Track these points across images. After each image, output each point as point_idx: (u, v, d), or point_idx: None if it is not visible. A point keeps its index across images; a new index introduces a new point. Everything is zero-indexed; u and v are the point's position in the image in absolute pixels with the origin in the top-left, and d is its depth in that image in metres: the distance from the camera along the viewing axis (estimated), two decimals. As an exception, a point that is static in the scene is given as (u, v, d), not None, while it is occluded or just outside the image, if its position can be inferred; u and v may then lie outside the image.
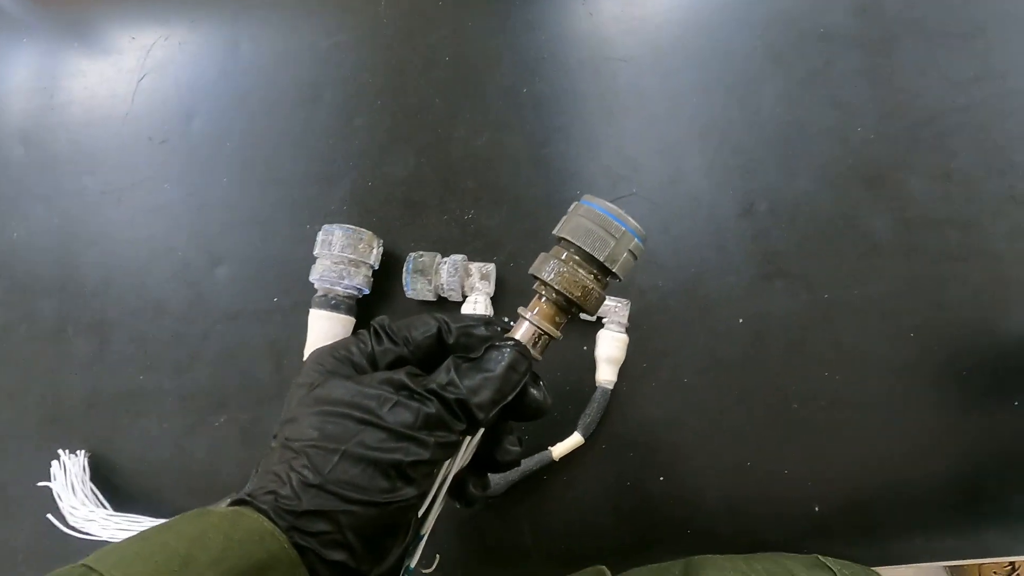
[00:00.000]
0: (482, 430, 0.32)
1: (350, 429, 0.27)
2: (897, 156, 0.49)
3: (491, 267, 0.49)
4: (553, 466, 0.46)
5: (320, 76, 0.56)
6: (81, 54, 0.60)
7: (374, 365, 0.31)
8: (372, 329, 0.32)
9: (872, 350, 0.47)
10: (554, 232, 0.33)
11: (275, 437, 0.29)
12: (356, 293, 0.49)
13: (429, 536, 0.31)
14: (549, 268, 0.32)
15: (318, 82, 0.56)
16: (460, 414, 0.29)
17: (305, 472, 0.27)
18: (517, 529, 0.47)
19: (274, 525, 0.26)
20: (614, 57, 0.54)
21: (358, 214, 0.53)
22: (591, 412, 0.46)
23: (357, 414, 0.28)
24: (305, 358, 0.48)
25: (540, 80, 0.54)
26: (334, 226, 0.48)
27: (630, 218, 0.32)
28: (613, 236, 0.31)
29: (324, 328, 0.48)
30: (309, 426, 0.28)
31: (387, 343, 0.31)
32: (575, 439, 0.46)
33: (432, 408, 0.28)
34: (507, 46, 0.55)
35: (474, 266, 0.49)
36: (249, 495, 0.28)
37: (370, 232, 0.48)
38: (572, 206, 0.33)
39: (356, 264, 0.48)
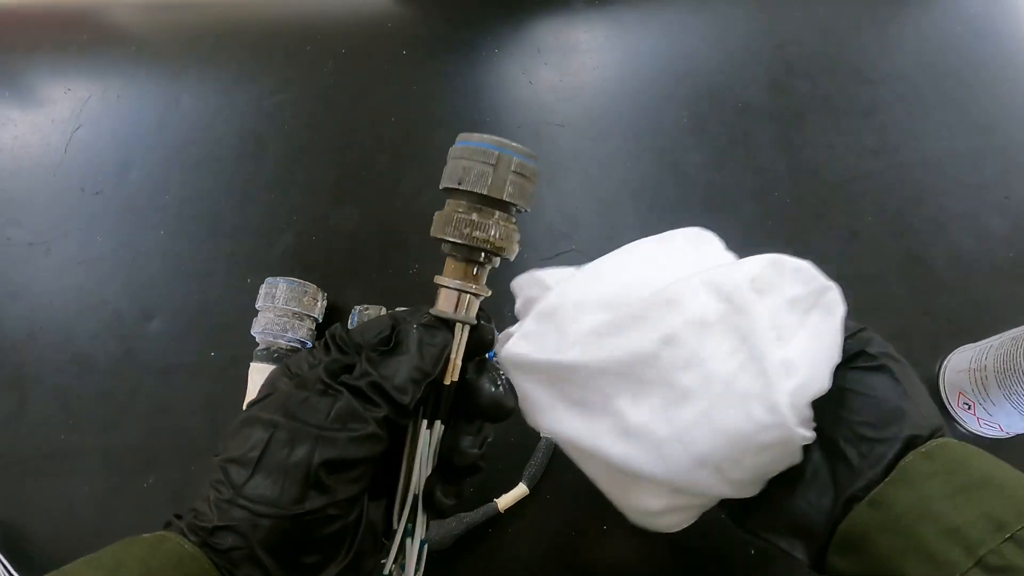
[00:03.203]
0: (440, 428, 0.30)
1: (262, 437, 0.26)
2: (811, 218, 0.53)
3: (436, 320, 0.49)
4: (499, 518, 0.46)
5: (263, 131, 0.57)
6: (12, 103, 0.58)
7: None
8: (323, 341, 0.30)
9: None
10: (440, 186, 0.31)
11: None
12: (299, 346, 0.48)
13: None
14: (442, 223, 0.30)
15: (261, 137, 0.57)
16: (378, 399, 0.27)
17: (221, 488, 0.26)
18: None
19: (193, 546, 0.25)
20: (552, 122, 0.57)
21: (300, 268, 0.53)
22: (535, 462, 0.47)
23: (267, 417, 0.27)
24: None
25: (482, 141, 0.57)
26: (278, 279, 0.48)
27: (509, 141, 0.29)
28: (489, 164, 0.29)
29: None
30: (231, 439, 0.27)
31: (336, 353, 0.29)
32: (520, 490, 0.47)
33: (342, 400, 0.27)
34: (451, 109, 0.58)
35: (419, 319, 0.49)
36: (177, 515, 0.27)
37: (314, 285, 0.49)
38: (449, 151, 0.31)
39: (300, 317, 0.48)
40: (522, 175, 0.29)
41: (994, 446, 0.46)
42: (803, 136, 0.56)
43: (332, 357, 0.29)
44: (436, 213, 0.31)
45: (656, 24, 0.60)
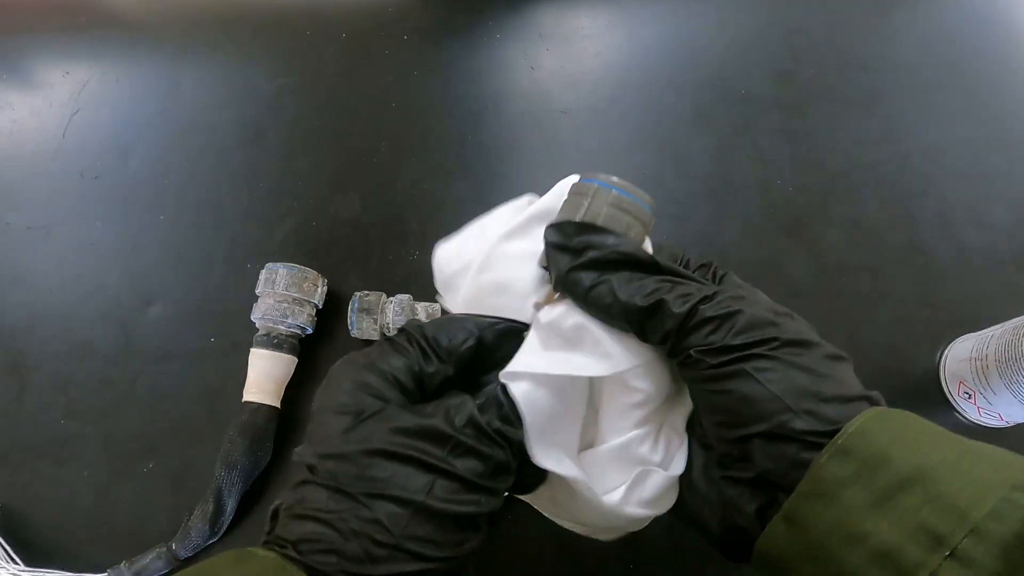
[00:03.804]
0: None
1: (420, 478, 0.24)
2: (813, 208, 0.53)
3: (437, 307, 0.49)
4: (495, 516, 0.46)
5: (264, 117, 0.57)
6: (10, 86, 0.58)
7: (421, 386, 0.28)
8: (413, 342, 0.28)
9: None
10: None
11: (312, 469, 0.25)
12: (299, 332, 0.48)
13: None
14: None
15: (262, 123, 0.56)
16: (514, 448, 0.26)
17: (374, 528, 0.24)
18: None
19: None
20: (554, 109, 0.57)
21: (301, 255, 0.53)
22: (535, 450, 0.47)
23: (427, 459, 0.24)
24: (246, 398, 0.47)
25: (484, 128, 0.56)
26: (278, 264, 0.47)
27: (616, 178, 0.30)
28: (586, 196, 0.29)
29: (266, 367, 0.47)
30: (370, 469, 0.24)
31: (436, 363, 0.28)
32: (520, 478, 0.46)
33: (502, 456, 0.26)
34: (452, 95, 0.57)
35: (420, 306, 0.49)
36: (295, 548, 0.24)
37: (315, 271, 0.48)
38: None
39: (300, 303, 0.47)
40: (622, 209, 0.29)
41: (994, 436, 0.46)
42: (806, 125, 0.55)
43: (435, 368, 0.28)
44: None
45: (659, 11, 0.60)
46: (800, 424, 0.24)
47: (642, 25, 0.59)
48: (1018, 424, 0.45)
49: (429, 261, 0.54)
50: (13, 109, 0.57)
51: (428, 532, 0.24)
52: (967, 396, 0.45)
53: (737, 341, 0.25)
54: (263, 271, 0.48)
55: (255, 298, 0.48)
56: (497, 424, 0.26)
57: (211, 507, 0.44)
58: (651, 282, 0.27)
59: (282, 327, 0.47)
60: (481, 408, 0.26)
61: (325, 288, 0.49)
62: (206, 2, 0.61)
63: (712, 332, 0.26)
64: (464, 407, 0.26)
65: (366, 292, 0.49)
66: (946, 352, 0.48)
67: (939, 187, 0.53)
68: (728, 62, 0.57)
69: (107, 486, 0.48)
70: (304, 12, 0.60)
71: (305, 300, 0.48)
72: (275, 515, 0.26)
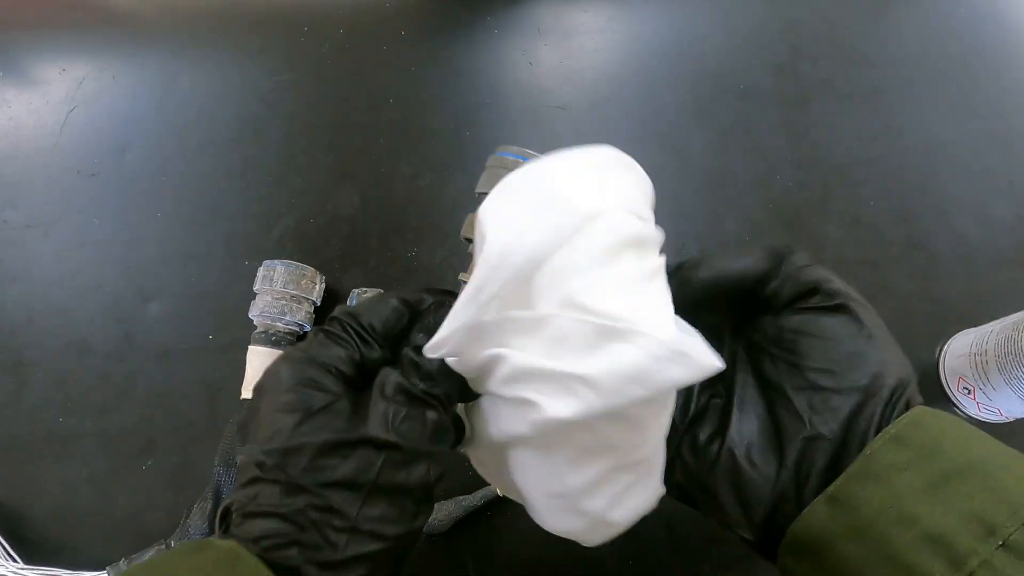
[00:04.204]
0: None
1: (370, 458, 0.25)
2: (813, 203, 0.53)
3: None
4: (498, 501, 0.46)
5: (262, 113, 0.56)
6: (7, 83, 0.57)
7: (364, 375, 0.27)
8: (349, 330, 0.27)
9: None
10: (475, 190, 0.32)
11: (261, 466, 0.25)
12: (297, 329, 0.48)
13: None
14: (471, 224, 0.31)
15: (260, 119, 0.56)
16: (446, 401, 0.27)
17: (329, 516, 0.24)
18: (459, 564, 0.47)
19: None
20: (553, 105, 0.56)
21: (299, 251, 0.53)
22: (534, 447, 0.47)
23: (373, 436, 0.25)
24: (245, 395, 0.47)
25: (482, 124, 0.56)
26: (276, 261, 0.47)
27: (533, 152, 0.30)
28: (508, 170, 0.29)
29: (263, 365, 0.46)
30: (322, 459, 0.24)
31: (377, 349, 0.28)
32: (519, 474, 0.46)
33: (434, 415, 0.26)
34: (450, 91, 0.57)
35: (418, 303, 0.49)
36: (256, 544, 0.24)
37: (313, 268, 0.48)
38: (487, 160, 0.31)
39: (298, 300, 0.47)
40: None
41: (994, 431, 0.46)
42: (806, 120, 0.55)
43: (374, 353, 0.27)
44: (468, 215, 0.31)
45: (658, 6, 0.59)
46: (886, 392, 0.25)
47: (641, 20, 0.59)
48: (1018, 419, 0.45)
49: (427, 257, 0.55)
50: (10, 106, 0.57)
51: (383, 511, 0.25)
52: (967, 391, 0.45)
53: (842, 288, 0.27)
54: (261, 268, 0.48)
55: (253, 295, 0.48)
56: (420, 385, 0.26)
57: (210, 504, 0.44)
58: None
59: (280, 324, 0.47)
60: (402, 375, 0.26)
61: (323, 285, 0.49)
62: (203, -2, 0.61)
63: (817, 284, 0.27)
64: (390, 378, 0.26)
65: (364, 289, 0.49)
66: (946, 347, 0.48)
67: (939, 182, 0.53)
68: (727, 57, 0.57)
69: (106, 483, 0.48)
70: (302, 8, 0.59)
71: (303, 297, 0.47)
72: (225, 516, 0.26)
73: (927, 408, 0.25)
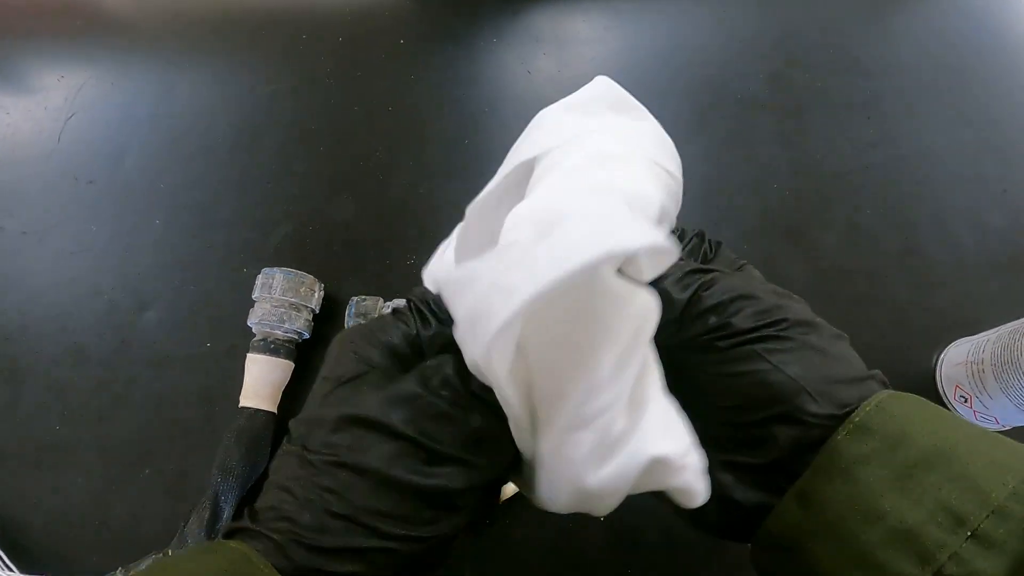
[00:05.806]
0: None
1: (383, 446, 0.22)
2: (810, 211, 0.53)
3: (433, 312, 0.49)
4: (498, 507, 0.46)
5: (260, 121, 0.56)
6: (5, 90, 0.57)
7: (420, 353, 0.25)
8: (413, 306, 0.26)
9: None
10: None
11: (289, 438, 0.23)
12: (296, 337, 0.48)
13: None
14: None
15: (258, 127, 0.56)
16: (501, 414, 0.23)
17: (329, 497, 0.22)
18: (457, 572, 0.46)
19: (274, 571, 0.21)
20: (551, 113, 0.57)
21: (297, 259, 0.53)
22: (533, 455, 0.47)
23: (392, 425, 0.22)
24: (243, 404, 0.47)
25: (480, 132, 0.56)
26: (275, 269, 0.47)
27: None
28: None
29: (262, 373, 0.47)
30: (336, 434, 0.22)
31: (435, 325, 0.25)
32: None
33: (479, 421, 0.23)
34: (448, 99, 0.57)
35: (417, 311, 0.49)
36: (259, 516, 0.22)
37: (312, 276, 0.48)
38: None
39: (297, 308, 0.47)
40: None
41: (990, 439, 0.46)
42: (802, 129, 0.56)
43: (433, 331, 0.25)
44: None
45: (655, 15, 0.60)
46: (815, 407, 0.23)
47: (638, 30, 0.59)
48: (1015, 427, 0.45)
49: (425, 266, 0.54)
50: (8, 113, 0.57)
51: (388, 506, 0.22)
52: (963, 400, 0.45)
53: (747, 324, 0.24)
54: (260, 276, 0.48)
55: (251, 303, 0.48)
56: (477, 385, 0.23)
57: (207, 513, 0.44)
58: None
59: (279, 332, 0.47)
60: (461, 368, 0.23)
61: (322, 293, 0.49)
62: (201, 6, 0.61)
63: (719, 316, 0.25)
64: (441, 368, 0.23)
65: (363, 296, 0.49)
66: (942, 356, 0.48)
67: (935, 190, 0.53)
68: (724, 66, 0.58)
69: (103, 492, 0.48)
70: (300, 16, 0.60)
71: (302, 305, 0.47)
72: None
73: (893, 392, 0.24)
